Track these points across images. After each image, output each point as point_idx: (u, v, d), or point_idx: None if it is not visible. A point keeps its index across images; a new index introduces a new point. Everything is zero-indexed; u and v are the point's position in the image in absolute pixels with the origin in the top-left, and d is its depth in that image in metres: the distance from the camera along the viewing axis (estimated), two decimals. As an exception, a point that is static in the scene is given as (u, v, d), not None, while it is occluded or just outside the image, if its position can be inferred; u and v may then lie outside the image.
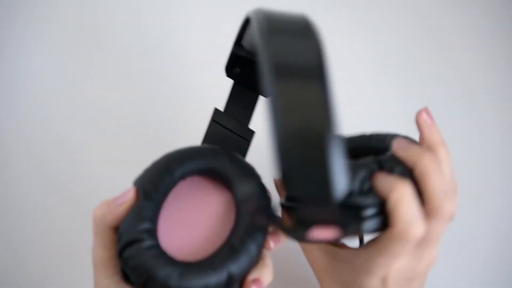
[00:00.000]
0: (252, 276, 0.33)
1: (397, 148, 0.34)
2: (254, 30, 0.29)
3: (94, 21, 0.58)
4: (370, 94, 0.56)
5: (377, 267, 0.34)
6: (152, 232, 0.33)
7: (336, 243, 0.38)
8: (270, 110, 0.26)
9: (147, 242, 0.32)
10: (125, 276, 0.33)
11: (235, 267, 0.32)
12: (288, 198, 0.28)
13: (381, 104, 0.56)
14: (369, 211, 0.32)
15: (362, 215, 0.31)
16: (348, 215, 0.31)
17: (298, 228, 0.27)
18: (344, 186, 0.26)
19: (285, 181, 0.26)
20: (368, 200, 0.32)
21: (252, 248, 0.33)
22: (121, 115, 0.55)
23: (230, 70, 0.39)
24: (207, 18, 0.58)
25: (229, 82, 0.41)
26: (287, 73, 0.26)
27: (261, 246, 0.34)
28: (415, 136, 0.37)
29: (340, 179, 0.26)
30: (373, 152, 0.38)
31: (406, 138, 0.37)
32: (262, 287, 0.33)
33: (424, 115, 0.36)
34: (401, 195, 0.31)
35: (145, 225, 0.33)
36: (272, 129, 0.26)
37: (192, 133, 0.44)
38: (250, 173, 0.36)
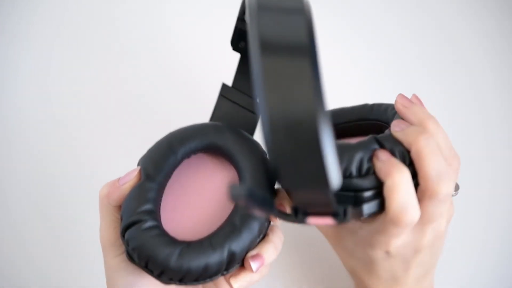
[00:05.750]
0: (252, 252, 0.33)
1: (395, 130, 0.34)
2: (246, 7, 0.28)
3: (91, 17, 0.58)
4: (377, 90, 0.56)
5: (379, 243, 0.34)
6: (153, 213, 0.33)
7: None
8: (256, 89, 0.25)
9: (147, 223, 0.32)
10: (129, 256, 0.33)
11: (236, 245, 0.32)
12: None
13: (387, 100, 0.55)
14: (366, 195, 0.32)
15: (359, 199, 0.32)
16: (345, 200, 0.32)
17: (295, 216, 0.28)
18: (337, 177, 0.25)
19: (276, 172, 0.26)
20: (365, 183, 0.32)
21: (254, 224, 0.32)
22: (124, 96, 0.55)
23: (236, 44, 0.39)
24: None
25: (236, 58, 0.41)
26: (271, 50, 0.25)
27: (264, 222, 0.33)
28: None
29: (334, 170, 0.25)
30: (374, 126, 0.39)
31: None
32: (263, 262, 0.33)
33: (398, 100, 0.36)
34: (396, 182, 0.31)
35: (146, 206, 0.33)
36: (260, 112, 0.25)
37: (200, 111, 0.45)
38: (255, 149, 0.36)
